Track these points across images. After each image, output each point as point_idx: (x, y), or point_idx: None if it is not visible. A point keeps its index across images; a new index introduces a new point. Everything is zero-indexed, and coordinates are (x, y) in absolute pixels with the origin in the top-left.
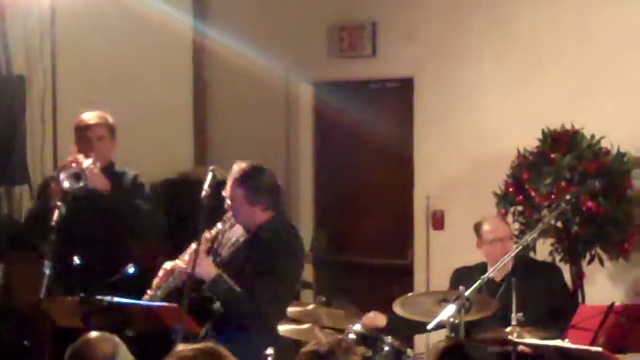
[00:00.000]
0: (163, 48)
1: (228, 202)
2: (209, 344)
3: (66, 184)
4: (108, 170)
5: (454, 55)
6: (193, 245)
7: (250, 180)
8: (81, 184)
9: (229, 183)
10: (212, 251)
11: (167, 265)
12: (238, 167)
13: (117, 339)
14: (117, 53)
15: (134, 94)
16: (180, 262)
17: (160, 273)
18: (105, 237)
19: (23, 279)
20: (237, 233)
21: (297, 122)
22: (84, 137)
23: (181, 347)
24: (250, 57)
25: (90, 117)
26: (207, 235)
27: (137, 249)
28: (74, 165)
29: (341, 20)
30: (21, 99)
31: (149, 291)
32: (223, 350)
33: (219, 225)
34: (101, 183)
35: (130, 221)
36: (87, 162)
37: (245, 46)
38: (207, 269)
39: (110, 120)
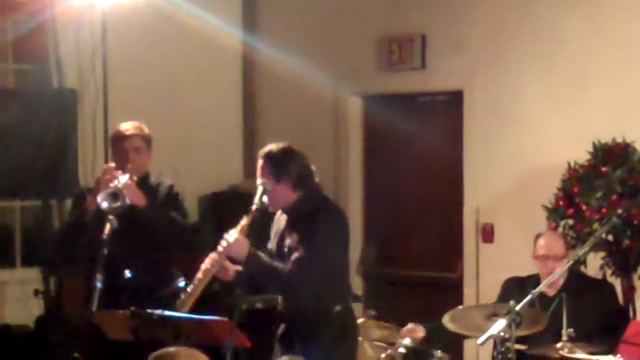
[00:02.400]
0: (213, 61)
1: (258, 182)
2: None
3: (104, 205)
4: (144, 182)
5: (504, 68)
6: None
7: (276, 157)
8: (119, 204)
9: (259, 163)
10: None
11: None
12: (267, 147)
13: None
14: (168, 66)
15: (184, 107)
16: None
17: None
18: (144, 252)
19: (74, 291)
20: (281, 223)
21: (346, 135)
22: (120, 148)
23: None
24: (300, 70)
25: (126, 127)
26: (243, 222)
27: (180, 261)
28: (111, 184)
29: (390, 33)
30: (73, 112)
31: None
32: None
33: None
34: (137, 198)
35: (165, 235)
36: (123, 178)
37: (295, 59)
38: (241, 246)
39: (147, 131)
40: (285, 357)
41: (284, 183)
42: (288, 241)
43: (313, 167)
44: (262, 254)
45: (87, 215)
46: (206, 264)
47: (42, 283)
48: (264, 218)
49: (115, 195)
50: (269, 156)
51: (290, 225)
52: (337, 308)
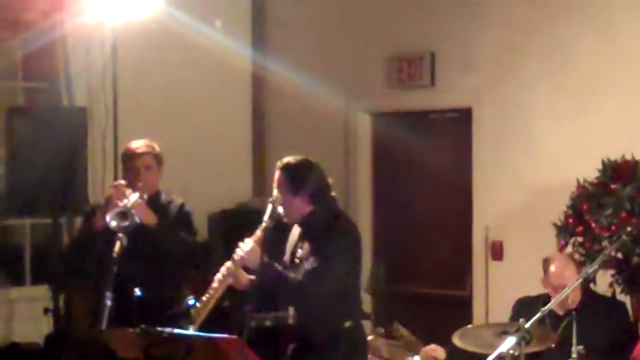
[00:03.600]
0: (222, 79)
1: (275, 194)
2: None
3: (113, 224)
4: (155, 200)
5: (512, 86)
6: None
7: (294, 169)
8: (127, 223)
9: (276, 174)
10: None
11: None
12: (285, 159)
13: None
14: (177, 84)
15: (194, 125)
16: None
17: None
18: (154, 270)
19: (83, 309)
20: (294, 236)
21: (355, 152)
22: (131, 166)
23: None
24: (309, 88)
25: (137, 145)
26: (258, 233)
27: (190, 280)
28: (120, 203)
29: (400, 51)
30: (83, 130)
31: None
32: None
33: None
34: (148, 217)
35: (175, 254)
36: (133, 197)
37: (304, 77)
38: (255, 254)
39: (158, 149)
40: None
41: (300, 196)
42: (300, 252)
43: (330, 181)
44: (275, 264)
45: (95, 231)
46: (221, 272)
47: (52, 301)
48: (278, 232)
49: (124, 215)
50: (286, 168)
51: (303, 237)
52: (348, 324)
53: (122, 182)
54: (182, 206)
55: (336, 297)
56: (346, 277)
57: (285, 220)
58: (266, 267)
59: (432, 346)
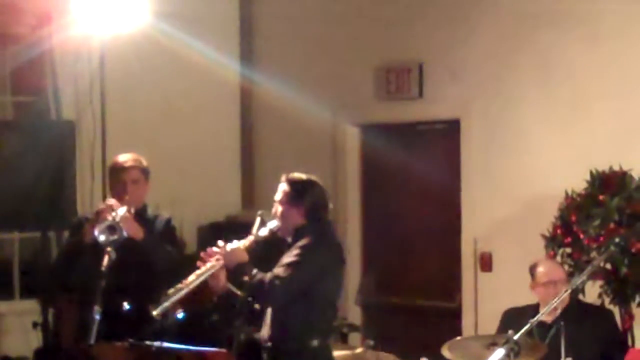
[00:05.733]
0: (211, 93)
1: (275, 203)
2: None
3: (102, 238)
4: (141, 214)
5: (501, 97)
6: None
7: (299, 182)
8: (116, 237)
9: (280, 185)
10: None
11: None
12: (294, 173)
13: None
14: (165, 98)
15: (182, 138)
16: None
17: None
18: (142, 284)
19: (72, 323)
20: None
21: (344, 164)
22: (119, 179)
23: None
24: (297, 100)
25: (125, 159)
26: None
27: None
28: (109, 217)
29: (388, 63)
30: (71, 143)
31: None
32: None
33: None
34: (135, 231)
35: (161, 268)
36: (121, 211)
37: (292, 89)
38: (239, 254)
39: (145, 163)
40: None
41: (297, 208)
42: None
43: (330, 205)
44: (252, 267)
45: (83, 244)
46: (202, 268)
47: (41, 315)
48: (272, 251)
49: (112, 229)
50: (291, 180)
51: (290, 247)
52: (314, 343)
53: (113, 200)
54: (168, 221)
55: (301, 309)
56: (312, 285)
57: (279, 233)
58: (244, 267)
59: None
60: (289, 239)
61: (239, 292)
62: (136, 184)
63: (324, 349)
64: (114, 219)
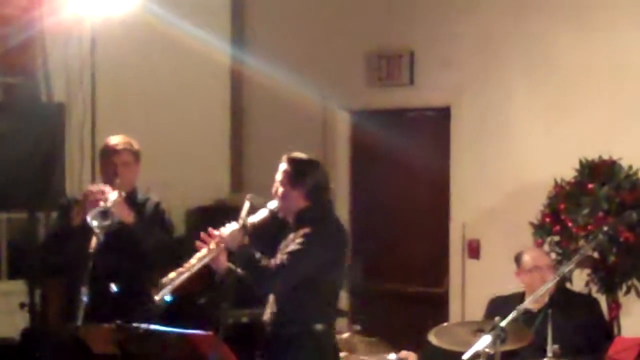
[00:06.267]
0: (201, 76)
1: (275, 183)
2: None
3: (94, 224)
4: (131, 198)
5: (491, 85)
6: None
7: (300, 163)
8: (108, 222)
9: (281, 165)
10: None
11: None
12: (295, 153)
13: None
14: (156, 80)
15: (172, 121)
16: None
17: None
18: (130, 266)
19: (59, 304)
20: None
21: (334, 150)
22: (110, 162)
23: None
24: (288, 85)
25: (116, 142)
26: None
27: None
28: (101, 203)
29: (379, 49)
30: (60, 126)
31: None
32: None
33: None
34: (126, 215)
35: (151, 251)
36: (113, 195)
37: (283, 74)
38: (238, 236)
39: (136, 146)
40: None
41: (298, 190)
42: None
43: (332, 186)
44: (254, 251)
45: (72, 228)
46: (203, 251)
47: (28, 296)
48: (270, 233)
49: (104, 214)
50: (292, 160)
51: (293, 230)
52: (319, 327)
53: (106, 186)
54: (157, 205)
55: (306, 294)
56: (317, 273)
57: (279, 214)
58: (245, 250)
59: (404, 353)
60: (290, 221)
61: (239, 271)
62: (127, 166)
63: (327, 334)
64: (106, 204)
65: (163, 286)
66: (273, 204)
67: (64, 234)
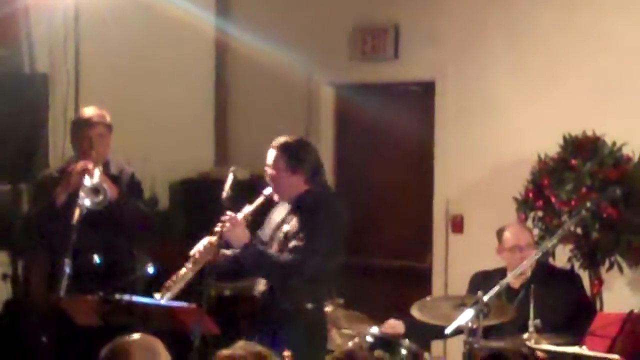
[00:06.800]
0: (185, 47)
1: (270, 172)
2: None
3: (87, 203)
4: (106, 170)
5: (476, 60)
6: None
7: (293, 148)
8: (101, 198)
9: (271, 153)
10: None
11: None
12: (281, 138)
13: (160, 347)
14: (140, 52)
15: (156, 93)
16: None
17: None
18: (112, 238)
19: (42, 276)
20: (280, 214)
21: (318, 123)
22: (84, 135)
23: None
24: (273, 57)
25: (91, 114)
26: (247, 210)
27: (149, 247)
28: (86, 179)
29: (364, 23)
30: (44, 97)
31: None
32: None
33: (247, 208)
34: (113, 190)
35: (132, 222)
36: (97, 172)
37: (268, 47)
38: (243, 233)
39: (109, 118)
40: (241, 342)
41: (299, 175)
42: (286, 228)
43: (322, 160)
44: (259, 245)
45: (55, 207)
46: (202, 247)
47: (10, 267)
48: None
49: (96, 191)
50: (285, 147)
51: (292, 213)
52: (309, 306)
53: (88, 162)
54: (132, 176)
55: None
56: (328, 259)
57: (275, 198)
58: (251, 246)
59: (392, 321)
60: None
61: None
62: (102, 138)
63: (317, 312)
64: (93, 180)
65: (168, 289)
66: (268, 190)
67: (48, 214)
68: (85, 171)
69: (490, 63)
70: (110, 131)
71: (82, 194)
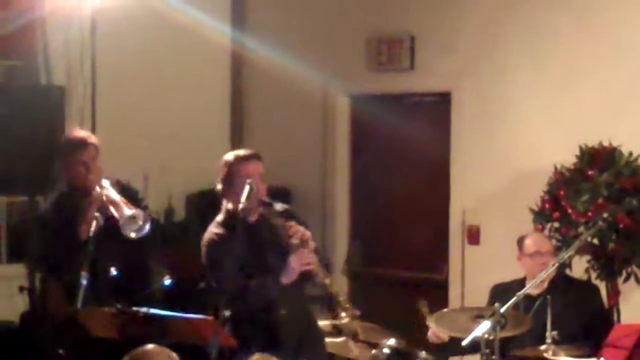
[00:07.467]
0: (201, 59)
1: (248, 180)
2: None
3: (133, 235)
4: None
5: (492, 70)
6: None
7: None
8: (140, 224)
9: (249, 161)
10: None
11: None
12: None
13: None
14: (156, 64)
15: (172, 105)
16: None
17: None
18: (129, 250)
19: (59, 288)
20: None
21: (334, 134)
22: (79, 158)
23: None
24: (288, 68)
25: (84, 136)
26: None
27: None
28: (124, 211)
29: (380, 34)
30: (60, 109)
31: None
32: None
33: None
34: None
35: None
36: (115, 195)
37: (283, 57)
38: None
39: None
40: (257, 355)
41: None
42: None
43: None
44: None
45: (79, 241)
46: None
47: (27, 279)
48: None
49: (133, 218)
50: (260, 157)
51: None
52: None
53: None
54: (117, 182)
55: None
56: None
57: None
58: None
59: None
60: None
61: None
62: (94, 161)
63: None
64: (128, 208)
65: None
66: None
67: (71, 248)
68: (111, 202)
69: (506, 74)
70: (99, 152)
71: (126, 230)
